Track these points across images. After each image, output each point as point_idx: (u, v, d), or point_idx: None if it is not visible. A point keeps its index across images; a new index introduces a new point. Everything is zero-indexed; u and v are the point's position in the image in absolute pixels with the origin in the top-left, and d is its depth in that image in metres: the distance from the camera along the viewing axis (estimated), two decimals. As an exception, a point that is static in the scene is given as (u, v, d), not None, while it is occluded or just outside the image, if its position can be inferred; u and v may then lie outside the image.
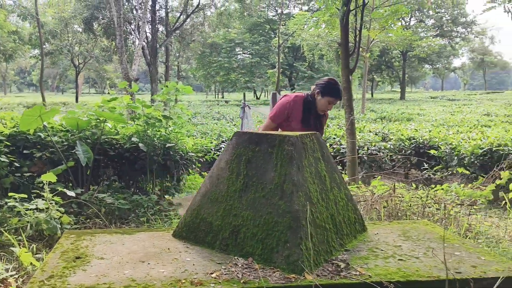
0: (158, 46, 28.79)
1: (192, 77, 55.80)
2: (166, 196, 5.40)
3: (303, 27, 17.45)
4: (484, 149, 6.37)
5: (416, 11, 47.52)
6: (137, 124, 5.52)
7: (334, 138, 9.07)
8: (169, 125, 5.67)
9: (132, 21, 28.56)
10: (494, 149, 6.28)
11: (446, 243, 2.64)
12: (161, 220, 4.63)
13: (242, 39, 44.08)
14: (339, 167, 7.49)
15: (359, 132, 10.54)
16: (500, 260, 2.40)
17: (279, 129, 3.75)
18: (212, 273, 2.13)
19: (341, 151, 8.06)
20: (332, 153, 8.11)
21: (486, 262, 2.33)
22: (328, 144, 8.53)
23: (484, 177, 5.25)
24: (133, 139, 5.37)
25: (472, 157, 6.46)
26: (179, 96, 6.03)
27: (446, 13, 50.52)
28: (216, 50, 42.85)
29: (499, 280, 2.09)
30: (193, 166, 6.00)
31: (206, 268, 2.21)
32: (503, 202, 5.09)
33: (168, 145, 5.46)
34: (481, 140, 6.94)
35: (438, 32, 50.81)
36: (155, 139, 5.49)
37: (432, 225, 3.09)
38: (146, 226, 4.41)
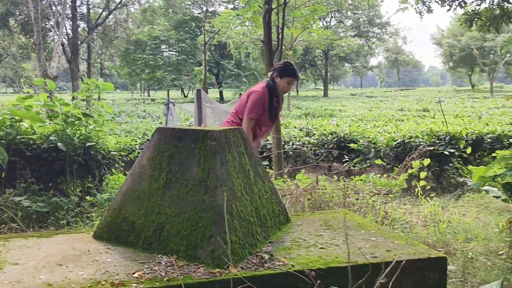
0: (79, 43, 27.36)
1: (117, 75, 53.69)
2: (87, 197, 5.16)
3: (229, 25, 17.50)
4: (398, 141, 6.81)
5: (336, 12, 49.60)
6: (55, 123, 5.22)
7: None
8: (90, 124, 5.42)
9: (51, 17, 26.86)
10: (406, 141, 6.74)
11: (364, 230, 2.79)
12: (83, 222, 4.43)
13: (167, 36, 43.20)
14: (266, 163, 7.62)
15: (285, 128, 10.79)
16: (412, 243, 2.58)
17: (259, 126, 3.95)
18: (134, 273, 2.07)
19: (268, 146, 8.20)
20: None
21: (399, 246, 2.49)
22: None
23: (397, 167, 5.61)
24: (51, 138, 5.07)
25: (387, 149, 6.88)
26: (103, 95, 5.78)
27: (363, 14, 53.26)
28: (141, 47, 41.61)
29: (397, 262, 2.24)
30: (116, 165, 5.79)
31: (128, 268, 2.14)
32: (416, 189, 5.48)
33: (88, 144, 5.21)
34: (395, 133, 7.41)
35: (356, 32, 53.44)
36: (75, 138, 5.23)
37: (351, 214, 3.25)
38: (67, 229, 4.19)
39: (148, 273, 2.07)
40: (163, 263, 2.19)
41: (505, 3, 4.58)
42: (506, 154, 3.77)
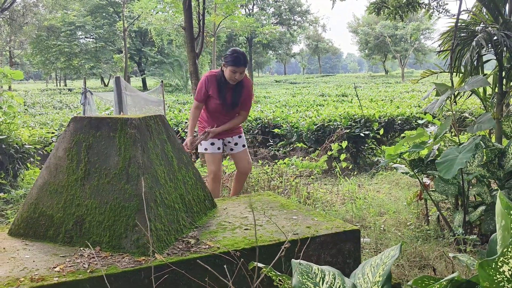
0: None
1: (29, 64, 49.84)
2: (0, 194, 4.84)
3: (149, 10, 16.97)
4: (318, 125, 7.11)
5: (258, 0, 49.97)
6: (-43, 116, 4.80)
7: (185, 122, 9.12)
8: (-1, 116, 5.06)
9: None
10: (326, 124, 7.06)
11: (286, 210, 2.92)
12: (-4, 221, 4.15)
13: (83, 22, 40.84)
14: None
15: (210, 115, 10.76)
16: (330, 219, 2.75)
17: (211, 111, 3.94)
18: (55, 267, 2.01)
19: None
20: (184, 137, 8.15)
21: (318, 223, 2.65)
22: (180, 128, 8.55)
23: (319, 149, 5.88)
24: (-47, 133, 4.66)
25: (308, 132, 7.16)
26: (14, 86, 5.41)
27: (284, 2, 54.22)
28: (54, 33, 38.96)
29: (316, 237, 2.39)
30: (31, 159, 5.47)
31: (48, 263, 2.08)
32: (335, 170, 5.79)
33: (-2, 138, 4.86)
34: (316, 117, 7.73)
35: (278, 20, 54.32)
36: (-18, 132, 4.85)
37: (274, 196, 3.37)
38: (-24, 230, 3.89)
39: (70, 266, 2.02)
40: (86, 255, 2.14)
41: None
42: (413, 134, 4.11)
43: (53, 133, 7.39)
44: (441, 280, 1.15)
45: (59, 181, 2.44)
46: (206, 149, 4.00)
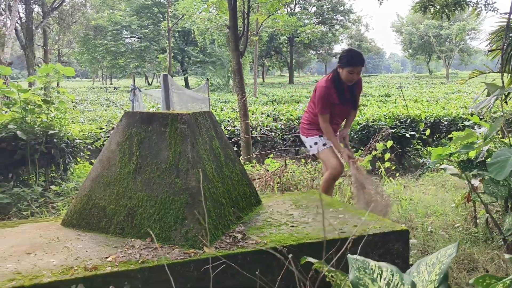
0: (34, 28, 26.22)
1: (76, 63, 51.89)
2: (52, 187, 5.04)
3: (193, 10, 17.26)
4: (362, 125, 7.00)
5: (300, -1, 49.73)
6: (13, 111, 5.04)
7: (228, 120, 9.22)
8: (51, 111, 5.27)
9: (1, 0, 25.57)
10: (370, 124, 6.93)
11: (332, 208, 2.89)
12: (48, 212, 4.34)
13: (129, 22, 42.07)
14: (234, 148, 7.65)
15: (252, 114, 10.84)
16: (377, 219, 2.69)
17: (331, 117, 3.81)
18: (107, 257, 2.07)
19: (236, 132, 8.23)
20: (227, 135, 8.24)
21: (366, 222, 2.60)
22: (222, 126, 8.65)
23: (362, 149, 5.78)
24: (9, 127, 4.89)
25: (351, 132, 7.06)
26: (62, 83, 5.63)
27: (326, 1, 53.65)
28: (101, 33, 40.32)
29: (365, 236, 2.35)
30: (81, 154, 5.67)
31: (101, 253, 2.14)
32: (380, 170, 5.67)
33: (51, 132, 5.07)
34: (359, 117, 7.60)
35: (320, 19, 53.83)
36: (36, 126, 5.07)
37: (319, 194, 3.34)
38: (31, 219, 4.09)
39: (122, 257, 2.08)
40: (137, 246, 2.20)
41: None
42: (461, 135, 3.96)
43: (101, 128, 7.65)
44: (505, 279, 1.10)
45: (111, 174, 2.52)
46: (325, 145, 3.88)
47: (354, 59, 3.59)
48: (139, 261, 2.02)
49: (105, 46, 40.32)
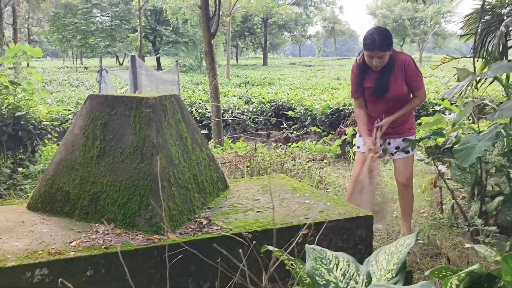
0: (2, 6, 25.11)
1: (46, 42, 50.10)
2: (20, 169, 4.93)
3: (165, -12, 16.86)
4: (332, 109, 7.06)
5: (275, -21, 49.19)
6: (-21, 92, 4.86)
7: (199, 102, 9.13)
8: (18, 92, 5.11)
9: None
10: (340, 108, 7.00)
11: (298, 193, 2.91)
12: (16, 194, 4.28)
13: (99, 0, 40.79)
14: (205, 131, 7.61)
15: (224, 96, 10.77)
16: (342, 204, 2.74)
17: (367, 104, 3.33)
18: (71, 242, 2.06)
19: (207, 115, 8.18)
20: (198, 118, 8.19)
21: (331, 207, 2.64)
22: (193, 109, 8.57)
23: (333, 133, 5.84)
24: (-26, 108, 4.72)
25: (322, 116, 7.11)
26: (32, 63, 5.44)
27: (301, -18, 53.34)
28: (72, 11, 38.99)
29: (328, 222, 2.39)
30: (49, 135, 5.55)
31: (64, 237, 2.12)
32: (349, 155, 5.76)
33: (18, 114, 4.93)
34: (331, 101, 7.66)
35: (294, 0, 53.56)
36: (3, 108, 4.92)
37: (287, 179, 3.37)
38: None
39: (85, 242, 2.06)
40: (101, 232, 2.18)
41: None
42: (430, 120, 4.04)
43: (69, 110, 7.47)
44: (460, 272, 1.14)
45: (75, 158, 2.47)
46: (358, 147, 3.47)
47: (370, 40, 3.05)
48: (103, 247, 2.01)
49: (75, 24, 39.03)
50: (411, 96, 3.26)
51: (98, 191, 2.35)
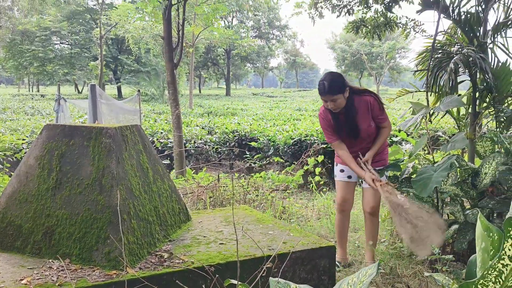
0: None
1: (1, 68, 48.53)
2: (-36, 203, 4.64)
3: (127, 18, 16.85)
4: (295, 139, 7.15)
5: (237, 12, 50.35)
6: None
7: (161, 132, 9.03)
8: (-34, 121, 4.89)
9: None
10: (303, 139, 7.10)
11: (262, 224, 2.89)
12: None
13: (59, 28, 40.14)
14: (167, 161, 7.50)
15: (187, 126, 10.71)
16: (306, 235, 2.74)
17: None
18: (22, 280, 1.94)
19: (169, 145, 8.08)
20: (160, 148, 8.07)
21: (294, 238, 2.63)
22: (155, 138, 8.45)
23: (295, 164, 5.89)
24: None
25: (285, 146, 7.18)
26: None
27: (263, 16, 54.75)
28: (29, 38, 38.13)
29: (292, 253, 2.38)
30: (1, 166, 5.29)
31: (15, 275, 2.00)
32: (311, 185, 5.80)
33: (-36, 143, 4.69)
34: (293, 132, 7.77)
35: (257, 33, 54.80)
36: None
37: (250, 210, 3.35)
38: None
39: (38, 279, 1.95)
40: (55, 268, 2.07)
41: (388, 12, 5.05)
42: (389, 151, 4.16)
43: (24, 139, 7.19)
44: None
45: (29, 190, 2.36)
46: (336, 176, 3.53)
47: (318, 87, 3.20)
48: (56, 284, 1.91)
49: (33, 52, 38.11)
50: (381, 128, 3.37)
51: (53, 224, 2.24)
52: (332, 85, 3.15)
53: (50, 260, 2.16)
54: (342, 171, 3.48)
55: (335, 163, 3.59)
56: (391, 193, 3.03)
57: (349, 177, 3.46)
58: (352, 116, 3.24)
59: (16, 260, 2.18)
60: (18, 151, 6.50)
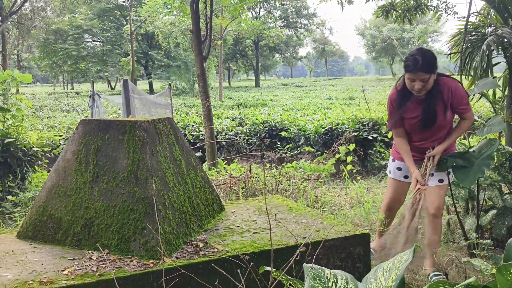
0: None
1: (36, 68, 50.20)
2: (9, 197, 4.85)
3: (156, 14, 17.05)
4: (326, 128, 7.08)
5: (264, 3, 50.08)
6: (-32, 120, 4.83)
7: (193, 125, 9.14)
8: (7, 119, 5.09)
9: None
10: (333, 127, 7.03)
11: (295, 213, 2.89)
12: (5, 223, 4.18)
13: (90, 26, 41.07)
14: (199, 153, 7.60)
15: (217, 118, 10.79)
16: (339, 223, 2.72)
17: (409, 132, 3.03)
18: (63, 270, 2.01)
19: (201, 137, 8.17)
20: (191, 140, 8.18)
21: (328, 226, 2.62)
22: (187, 131, 8.56)
23: (326, 153, 5.85)
24: (-38, 135, 4.68)
25: (316, 136, 7.13)
26: (22, 89, 5.46)
27: (290, 5, 54.25)
28: (62, 37, 39.21)
29: (326, 241, 2.37)
30: (39, 162, 5.49)
31: (56, 266, 2.07)
32: (343, 173, 5.75)
33: (7, 140, 4.89)
34: (323, 121, 7.70)
35: (285, 23, 54.36)
36: (-9, 135, 4.88)
37: (283, 199, 3.35)
38: (-15, 232, 3.91)
39: (78, 269, 2.02)
40: (94, 259, 2.13)
41: (419, -5, 4.92)
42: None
43: (60, 136, 7.43)
44: (457, 286, 1.13)
45: (67, 184, 2.44)
46: (389, 172, 3.25)
47: (411, 62, 2.73)
48: (96, 274, 1.97)
49: (66, 50, 39.21)
50: (459, 119, 2.99)
51: (92, 216, 2.32)
52: (426, 61, 2.70)
53: (90, 251, 2.22)
54: (399, 169, 3.14)
55: (391, 158, 3.26)
56: (417, 202, 2.88)
57: (406, 177, 3.12)
58: (433, 103, 2.82)
59: (57, 252, 2.26)
60: (55, 147, 6.72)
